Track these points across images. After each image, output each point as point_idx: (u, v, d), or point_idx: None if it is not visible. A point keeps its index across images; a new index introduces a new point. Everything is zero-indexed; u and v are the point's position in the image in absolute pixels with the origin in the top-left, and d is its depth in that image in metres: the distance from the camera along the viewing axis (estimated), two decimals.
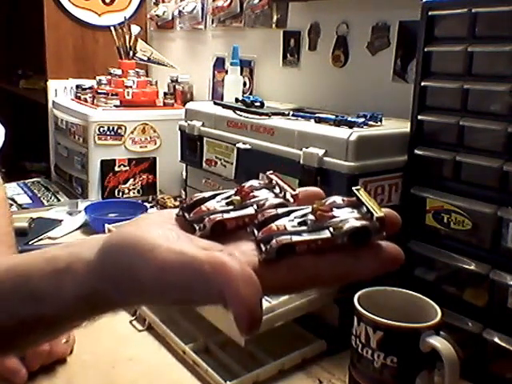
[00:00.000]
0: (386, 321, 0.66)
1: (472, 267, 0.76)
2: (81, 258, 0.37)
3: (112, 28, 1.76)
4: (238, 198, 0.37)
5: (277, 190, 0.38)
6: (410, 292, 0.73)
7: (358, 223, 0.32)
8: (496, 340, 0.73)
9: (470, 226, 0.77)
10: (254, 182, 0.39)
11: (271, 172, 0.40)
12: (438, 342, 0.64)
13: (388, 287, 0.74)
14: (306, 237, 0.32)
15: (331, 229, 0.32)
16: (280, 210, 0.35)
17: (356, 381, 0.71)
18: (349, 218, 0.32)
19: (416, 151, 0.83)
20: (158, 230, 0.35)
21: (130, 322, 0.93)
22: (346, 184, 0.81)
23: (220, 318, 0.78)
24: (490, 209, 0.73)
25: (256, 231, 0.34)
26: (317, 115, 0.95)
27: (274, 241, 0.32)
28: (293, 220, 0.34)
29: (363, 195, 0.34)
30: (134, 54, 1.78)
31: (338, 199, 0.34)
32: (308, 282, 0.34)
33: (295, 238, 0.32)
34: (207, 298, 0.32)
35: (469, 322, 0.77)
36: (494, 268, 0.74)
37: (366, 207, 0.33)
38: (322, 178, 0.84)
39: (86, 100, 1.75)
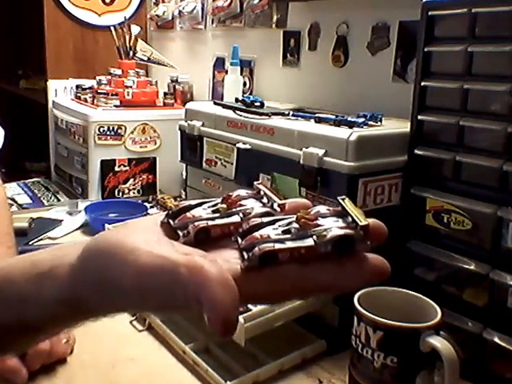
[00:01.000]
0: (386, 321, 0.66)
1: (472, 267, 0.76)
2: (63, 262, 0.37)
3: (112, 28, 1.76)
4: (224, 205, 0.37)
5: (264, 200, 0.38)
6: (410, 292, 0.73)
7: (342, 231, 0.32)
8: (496, 340, 0.73)
9: (470, 226, 0.77)
10: (242, 192, 0.39)
11: (259, 182, 0.40)
12: (438, 342, 0.64)
13: (388, 287, 0.74)
14: (288, 245, 0.32)
15: (315, 237, 0.32)
16: (265, 219, 0.35)
17: (356, 381, 0.71)
18: (333, 227, 0.32)
19: (416, 151, 0.83)
20: (139, 235, 0.35)
21: (130, 322, 0.93)
22: (346, 184, 0.81)
23: None
24: (490, 209, 0.73)
25: (240, 239, 0.34)
26: (317, 115, 0.95)
27: (256, 248, 0.32)
28: (277, 228, 0.34)
29: (348, 204, 0.34)
30: (134, 53, 1.78)
31: (323, 209, 0.35)
32: (292, 292, 0.34)
33: (278, 246, 0.32)
34: (185, 302, 0.32)
35: (469, 322, 0.77)
36: (494, 268, 0.74)
37: (351, 216, 0.33)
38: (321, 178, 0.84)
39: (85, 100, 1.75)
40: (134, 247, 0.33)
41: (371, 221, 0.33)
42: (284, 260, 0.32)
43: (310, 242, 0.32)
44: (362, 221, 0.32)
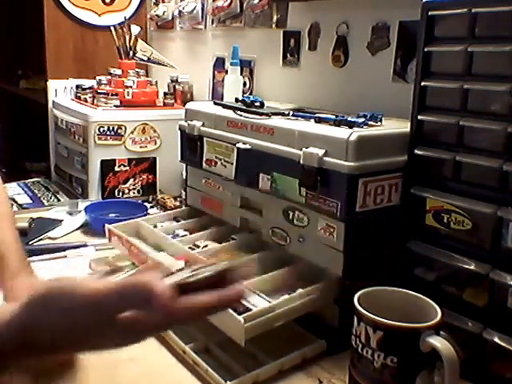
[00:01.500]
0: (386, 321, 0.66)
1: (472, 267, 0.76)
2: (6, 307, 0.50)
3: (112, 28, 1.76)
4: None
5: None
6: (410, 292, 0.73)
7: (220, 268, 0.52)
8: (496, 340, 0.73)
9: (470, 226, 0.77)
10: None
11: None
12: (438, 342, 0.64)
13: (388, 287, 0.74)
14: (193, 278, 0.51)
15: (207, 273, 0.51)
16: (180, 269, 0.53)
17: (356, 381, 0.71)
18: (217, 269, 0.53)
19: (416, 151, 0.83)
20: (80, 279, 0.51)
21: None
22: (345, 184, 0.81)
23: (220, 318, 0.78)
24: (490, 209, 0.73)
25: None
26: (317, 115, 0.95)
27: (172, 281, 0.49)
28: (187, 272, 0.52)
29: (225, 262, 0.55)
30: (134, 53, 1.78)
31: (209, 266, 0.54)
32: (201, 312, 0.50)
33: (186, 279, 0.50)
34: (137, 301, 0.46)
35: (469, 322, 0.77)
36: (494, 268, 0.74)
37: (222, 263, 0.54)
38: (321, 178, 0.84)
39: (85, 100, 1.75)
40: (81, 280, 0.48)
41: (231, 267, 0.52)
42: (191, 288, 0.49)
43: (206, 274, 0.51)
44: (229, 265, 0.52)
